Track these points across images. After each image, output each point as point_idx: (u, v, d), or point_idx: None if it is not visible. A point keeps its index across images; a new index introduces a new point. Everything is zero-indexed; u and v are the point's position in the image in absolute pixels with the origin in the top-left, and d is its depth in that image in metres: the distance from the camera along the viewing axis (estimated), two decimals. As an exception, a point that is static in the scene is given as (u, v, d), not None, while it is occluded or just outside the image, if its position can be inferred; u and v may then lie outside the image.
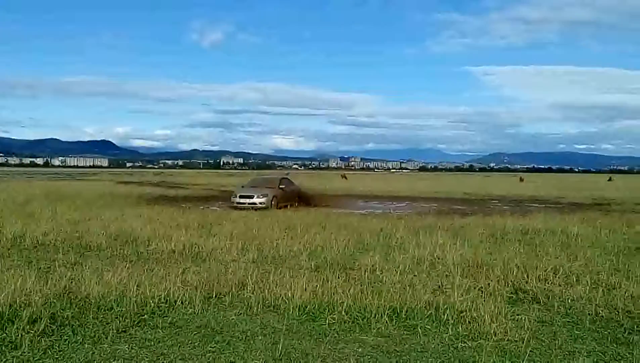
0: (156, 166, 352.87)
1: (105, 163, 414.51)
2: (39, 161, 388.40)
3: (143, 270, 8.12)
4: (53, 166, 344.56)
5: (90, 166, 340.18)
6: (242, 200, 23.30)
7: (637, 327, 5.94)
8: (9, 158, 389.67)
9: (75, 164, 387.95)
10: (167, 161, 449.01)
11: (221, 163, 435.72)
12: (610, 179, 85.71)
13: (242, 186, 26.38)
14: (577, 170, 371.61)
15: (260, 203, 22.93)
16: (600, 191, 42.89)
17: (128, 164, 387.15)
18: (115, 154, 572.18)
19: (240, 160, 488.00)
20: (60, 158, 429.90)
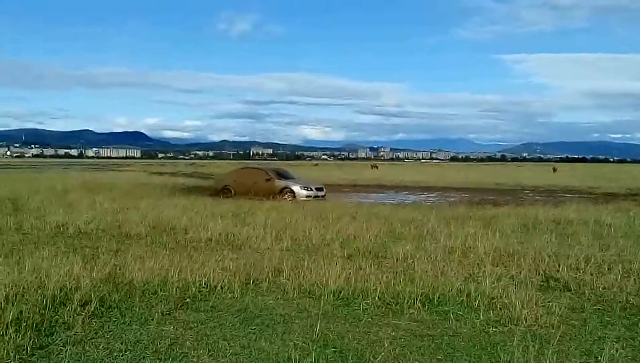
0: (187, 157, 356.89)
1: (137, 153, 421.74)
2: (73, 152, 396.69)
3: (183, 257, 8.42)
4: (87, 157, 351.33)
5: (123, 157, 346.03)
6: (319, 193, 23.43)
7: (668, 314, 6.01)
8: (44, 149, 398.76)
9: (109, 155, 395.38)
10: (198, 152, 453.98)
11: (251, 154, 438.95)
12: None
13: (270, 179, 23.77)
14: (612, 160, 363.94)
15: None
16: (635, 181, 42.11)
17: (160, 155, 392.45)
18: (147, 145, 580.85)
19: (270, 151, 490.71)
20: (94, 149, 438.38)
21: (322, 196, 23.31)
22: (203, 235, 10.87)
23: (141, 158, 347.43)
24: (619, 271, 7.83)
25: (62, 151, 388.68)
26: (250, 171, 25.81)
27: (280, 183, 23.51)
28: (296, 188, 23.12)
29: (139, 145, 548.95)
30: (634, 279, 7.41)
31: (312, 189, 23.38)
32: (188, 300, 6.27)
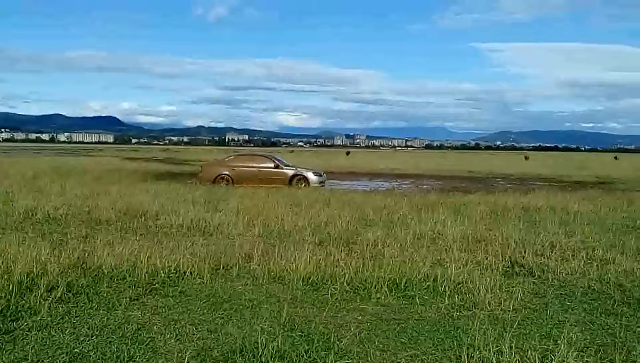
0: (162, 143, 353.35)
1: (110, 138, 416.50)
2: (45, 136, 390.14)
3: (153, 242, 8.41)
4: (59, 141, 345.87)
5: (96, 142, 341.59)
6: (325, 178, 23.45)
7: (627, 299, 6.19)
8: (14, 134, 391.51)
9: (81, 140, 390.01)
10: (172, 138, 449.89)
11: (226, 140, 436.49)
12: (616, 158, 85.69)
13: (290, 166, 23.54)
14: (583, 149, 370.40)
15: None
16: (604, 170, 42.97)
17: (133, 141, 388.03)
18: (121, 130, 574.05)
19: (246, 137, 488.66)
20: (65, 134, 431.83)
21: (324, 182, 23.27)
22: (174, 220, 10.83)
23: (114, 143, 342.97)
24: (583, 257, 8.06)
25: (33, 136, 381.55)
26: (252, 157, 24.33)
27: (290, 171, 22.68)
28: (309, 175, 22.50)
29: (112, 130, 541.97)
30: (597, 265, 7.61)
31: (322, 175, 23.06)
32: (157, 285, 6.27)
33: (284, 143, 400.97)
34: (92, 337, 4.69)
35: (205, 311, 5.45)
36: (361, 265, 7.00)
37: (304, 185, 21.54)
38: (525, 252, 8.23)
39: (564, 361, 4.24)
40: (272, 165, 22.80)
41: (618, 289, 6.54)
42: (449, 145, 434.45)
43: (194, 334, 4.80)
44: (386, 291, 6.09)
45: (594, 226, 11.29)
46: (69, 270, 6.55)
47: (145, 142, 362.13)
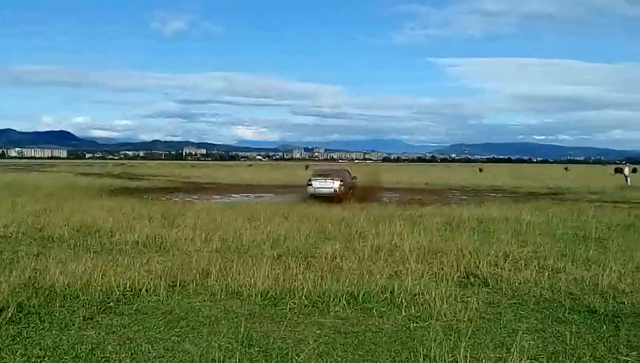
0: (116, 157, 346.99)
1: (64, 154, 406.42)
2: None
3: (107, 260, 8.24)
4: (9, 157, 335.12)
5: (48, 158, 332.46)
6: None
7: (577, 307, 6.38)
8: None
9: (33, 155, 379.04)
10: (127, 152, 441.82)
11: (183, 154, 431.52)
12: (566, 169, 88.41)
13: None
14: (535, 160, 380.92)
15: None
16: (555, 181, 44.24)
17: (87, 155, 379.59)
18: (74, 145, 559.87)
19: (203, 151, 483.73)
20: (16, 149, 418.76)
21: None
22: (130, 237, 10.66)
23: (68, 158, 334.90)
24: (535, 267, 8.27)
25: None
26: (346, 172, 27.84)
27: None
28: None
29: (66, 145, 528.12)
30: (548, 274, 7.81)
31: None
32: (111, 303, 6.15)
33: (243, 157, 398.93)
34: (44, 358, 4.58)
35: (161, 329, 5.37)
36: (320, 279, 7.05)
37: None
38: (479, 262, 8.39)
39: (517, 369, 4.34)
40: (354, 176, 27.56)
41: (568, 297, 6.74)
42: (405, 158, 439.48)
43: (150, 353, 4.73)
44: (344, 304, 6.13)
45: (545, 236, 11.60)
46: (20, 290, 6.37)
47: (99, 157, 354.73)
